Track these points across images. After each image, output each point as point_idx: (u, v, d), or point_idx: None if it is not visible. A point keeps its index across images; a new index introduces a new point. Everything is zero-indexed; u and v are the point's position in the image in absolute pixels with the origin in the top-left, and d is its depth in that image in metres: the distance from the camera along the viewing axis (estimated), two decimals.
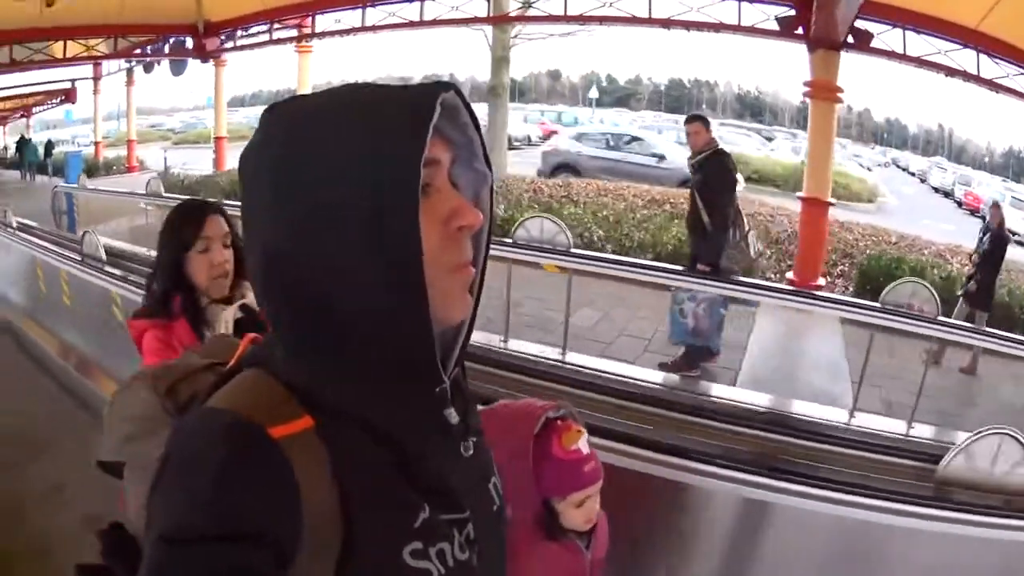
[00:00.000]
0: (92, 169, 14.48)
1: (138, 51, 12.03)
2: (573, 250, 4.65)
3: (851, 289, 7.79)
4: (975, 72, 6.87)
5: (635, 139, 13.63)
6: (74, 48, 10.39)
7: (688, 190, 4.73)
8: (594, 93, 27.84)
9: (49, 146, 16.31)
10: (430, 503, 0.58)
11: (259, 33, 11.73)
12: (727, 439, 2.68)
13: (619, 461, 1.96)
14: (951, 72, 6.94)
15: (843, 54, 7.04)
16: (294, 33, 11.67)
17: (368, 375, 0.57)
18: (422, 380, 0.59)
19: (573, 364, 4.23)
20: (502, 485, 0.71)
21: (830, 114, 7.25)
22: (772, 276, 8.06)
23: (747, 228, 4.31)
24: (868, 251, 8.74)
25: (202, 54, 11.67)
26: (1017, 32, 6.41)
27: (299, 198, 0.54)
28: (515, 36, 12.00)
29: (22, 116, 17.72)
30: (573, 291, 4.52)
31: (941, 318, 4.19)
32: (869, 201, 15.46)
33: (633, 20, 7.94)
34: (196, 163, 14.25)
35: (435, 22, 9.72)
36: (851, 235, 9.33)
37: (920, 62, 6.95)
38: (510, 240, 4.58)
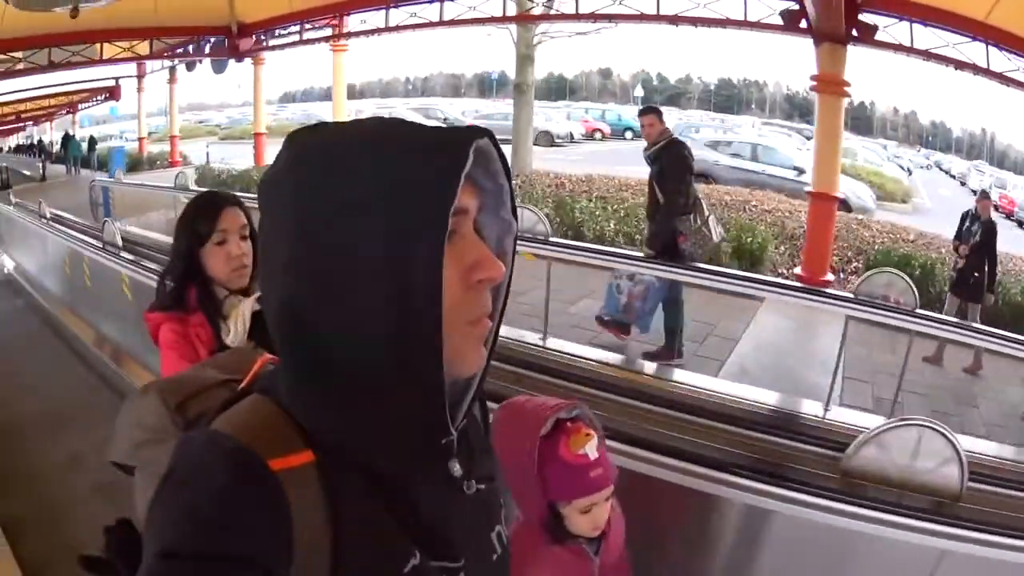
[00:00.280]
0: (136, 164, 15.25)
1: (173, 52, 12.62)
2: (551, 239, 4.81)
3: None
4: (984, 65, 6.73)
5: (768, 148, 13.14)
6: (110, 50, 10.98)
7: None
8: (639, 91, 27.66)
9: (92, 142, 17.18)
10: (421, 549, 0.57)
11: (290, 34, 12.22)
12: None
13: None
14: (960, 65, 6.79)
15: (867, 51, 7.00)
16: (323, 33, 12.09)
17: (372, 421, 0.56)
18: (428, 431, 0.57)
19: (551, 349, 4.35)
20: (510, 489, 0.75)
21: (837, 108, 7.18)
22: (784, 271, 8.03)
23: (707, 214, 4.38)
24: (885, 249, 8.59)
25: (236, 54, 12.22)
26: None
27: (319, 236, 0.53)
28: (542, 34, 12.15)
29: (68, 112, 18.61)
30: (574, 282, 4.61)
31: (920, 311, 4.08)
32: (903, 201, 15.25)
33: (642, 17, 8.02)
34: (238, 158, 14.67)
35: (453, 22, 9.97)
36: (868, 232, 9.19)
37: (928, 55, 6.82)
38: None
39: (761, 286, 4.58)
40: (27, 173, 16.99)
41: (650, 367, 4.08)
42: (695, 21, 7.64)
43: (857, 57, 7.14)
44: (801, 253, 8.03)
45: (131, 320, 4.55)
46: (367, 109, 23.57)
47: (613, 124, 22.43)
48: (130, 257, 4.93)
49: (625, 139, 20.92)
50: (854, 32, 6.74)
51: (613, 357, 4.15)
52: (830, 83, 7.03)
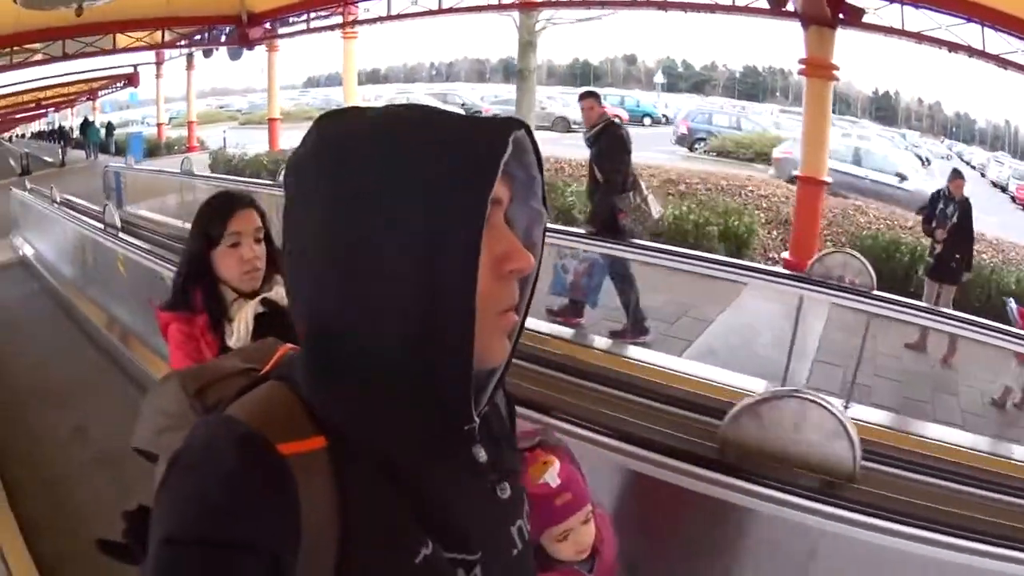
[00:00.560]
0: (154, 149, 15.64)
1: (184, 41, 12.95)
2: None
3: None
4: (980, 47, 6.66)
5: (870, 152, 11.89)
6: (123, 40, 11.32)
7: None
8: (660, 78, 27.27)
9: (110, 127, 17.60)
10: (435, 540, 0.56)
11: (300, 22, 12.49)
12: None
13: None
14: (954, 47, 6.74)
15: (889, 41, 6.99)
16: (330, 22, 12.33)
17: (393, 408, 0.56)
18: (451, 418, 0.57)
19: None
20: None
21: (825, 91, 7.19)
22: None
23: (645, 192, 4.52)
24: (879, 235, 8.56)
25: (246, 42, 12.51)
26: (1021, 3, 6.18)
27: (348, 222, 0.53)
28: (547, 20, 12.22)
29: (88, 99, 19.09)
30: (546, 263, 4.67)
31: (877, 292, 4.09)
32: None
33: (633, 3, 8.08)
34: (255, 143, 14.79)
35: (452, 10, 10.10)
36: (864, 218, 9.15)
37: (920, 37, 6.79)
38: None
39: (714, 266, 4.66)
40: (48, 159, 17.49)
41: (601, 342, 4.22)
42: (683, 7, 7.67)
43: (879, 47, 7.08)
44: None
45: (127, 297, 4.90)
46: (387, 94, 23.68)
47: (632, 110, 22.25)
48: (126, 238, 5.23)
49: (643, 125, 20.74)
50: (841, 15, 6.71)
51: (567, 332, 4.32)
52: (818, 67, 7.04)
